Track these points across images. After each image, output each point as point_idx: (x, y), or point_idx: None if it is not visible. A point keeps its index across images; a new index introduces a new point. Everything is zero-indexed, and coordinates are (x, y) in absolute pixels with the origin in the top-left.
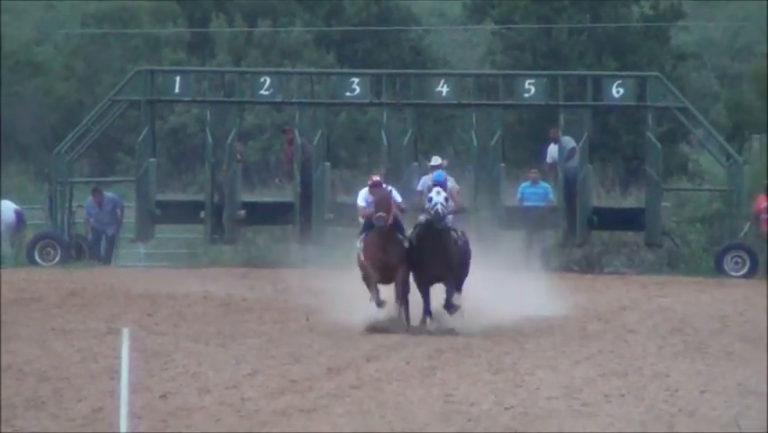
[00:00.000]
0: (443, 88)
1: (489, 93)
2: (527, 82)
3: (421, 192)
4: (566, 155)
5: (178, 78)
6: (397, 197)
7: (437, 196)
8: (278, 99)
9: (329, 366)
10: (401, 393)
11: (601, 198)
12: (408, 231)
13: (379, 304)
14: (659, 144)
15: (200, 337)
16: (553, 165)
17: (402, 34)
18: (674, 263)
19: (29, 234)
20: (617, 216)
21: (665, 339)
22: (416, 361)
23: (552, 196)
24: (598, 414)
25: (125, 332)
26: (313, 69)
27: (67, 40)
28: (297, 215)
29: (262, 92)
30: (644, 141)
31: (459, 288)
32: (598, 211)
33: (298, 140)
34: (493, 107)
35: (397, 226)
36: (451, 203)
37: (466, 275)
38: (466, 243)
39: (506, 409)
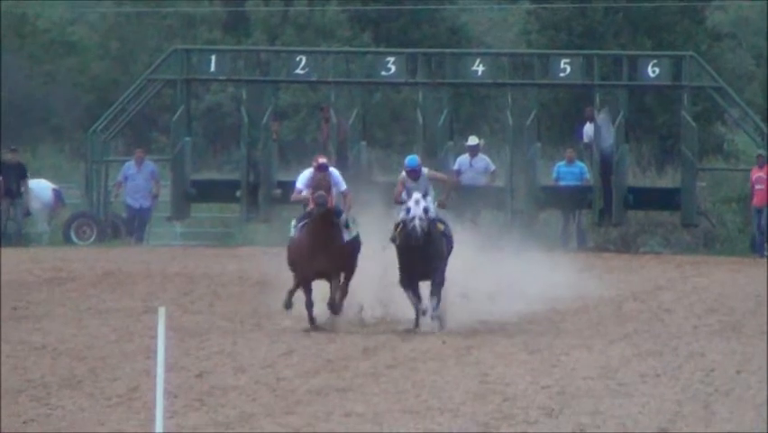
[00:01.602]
0: (479, 68)
1: (525, 72)
2: (563, 61)
3: (458, 171)
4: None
5: (213, 57)
6: (342, 183)
7: (416, 207)
8: (314, 78)
9: (365, 346)
10: (437, 373)
11: (637, 177)
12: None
13: (289, 306)
14: (694, 124)
15: (235, 317)
16: (589, 145)
17: (437, 13)
18: (710, 243)
19: (65, 214)
20: (653, 196)
21: (701, 319)
22: (451, 341)
23: (587, 175)
24: (633, 394)
25: (162, 311)
26: (348, 48)
27: (102, 18)
28: None
29: (298, 71)
30: (680, 120)
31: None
32: (633, 191)
33: (334, 119)
34: (529, 87)
35: (338, 215)
36: (434, 206)
37: (446, 265)
38: (450, 235)
39: (542, 388)
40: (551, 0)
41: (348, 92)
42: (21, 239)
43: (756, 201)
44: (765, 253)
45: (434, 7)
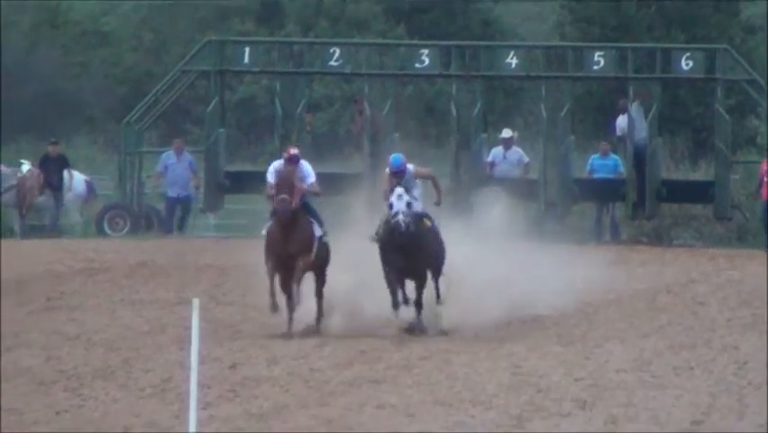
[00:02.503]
0: (513, 60)
1: (559, 65)
2: (596, 54)
3: (492, 163)
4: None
5: (247, 49)
6: (311, 176)
7: (398, 202)
8: (348, 70)
9: (397, 338)
10: (469, 365)
11: (670, 170)
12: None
13: (275, 309)
14: (728, 117)
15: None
16: (623, 137)
17: (471, 6)
18: (743, 236)
19: (97, 205)
20: (686, 189)
21: (734, 312)
22: (484, 333)
23: (621, 168)
24: (667, 386)
25: (196, 302)
26: (382, 41)
27: (135, 9)
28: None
29: (332, 63)
30: (713, 113)
31: (437, 284)
32: (667, 183)
33: (368, 111)
34: (562, 80)
35: (308, 210)
36: (418, 203)
37: (442, 263)
38: (437, 230)
39: (575, 380)
40: None
41: (382, 84)
42: (56, 230)
43: (766, 194)
44: None
45: (468, 0)
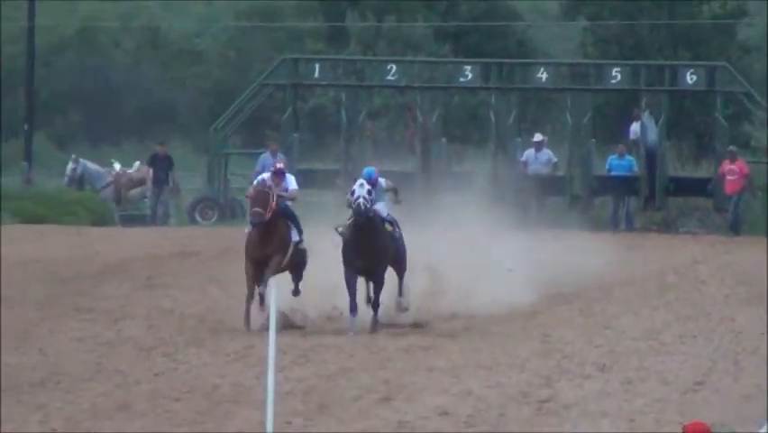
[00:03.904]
0: (543, 75)
1: (582, 79)
2: (614, 70)
3: (524, 163)
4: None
5: (317, 66)
6: (292, 184)
7: (360, 189)
8: (403, 84)
9: (444, 312)
10: (506, 334)
11: (677, 169)
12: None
13: (248, 326)
14: (726, 124)
15: (336, 288)
16: (636, 141)
17: (507, 28)
18: (738, 225)
19: (187, 198)
20: (691, 185)
21: (732, 289)
22: (518, 307)
23: (635, 167)
24: (673, 352)
25: (273, 282)
26: (432, 59)
27: (223, 31)
28: (419, 182)
29: (389, 78)
30: (714, 121)
31: (401, 286)
32: (674, 180)
33: (419, 119)
34: (585, 92)
35: (287, 216)
36: (386, 208)
37: (405, 270)
38: (400, 237)
39: (595, 347)
40: (604, 17)
41: (431, 96)
42: (166, 220)
43: (729, 189)
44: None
45: (504, 23)
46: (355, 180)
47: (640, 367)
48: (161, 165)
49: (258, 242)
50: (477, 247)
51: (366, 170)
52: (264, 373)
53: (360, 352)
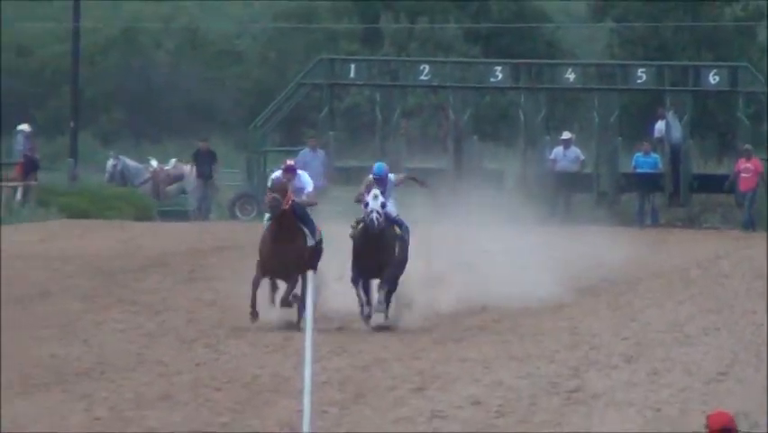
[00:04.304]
0: (571, 75)
1: (608, 79)
2: (639, 71)
3: (553, 161)
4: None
5: (353, 66)
6: (308, 185)
7: (374, 201)
8: (435, 84)
9: (475, 304)
10: (535, 326)
11: (700, 166)
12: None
13: (255, 316)
14: (748, 123)
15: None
16: (661, 139)
17: (536, 30)
18: (759, 221)
19: (228, 194)
20: (713, 182)
21: (752, 283)
22: (547, 299)
23: (660, 164)
24: (697, 344)
25: (310, 274)
26: (463, 59)
27: (262, 32)
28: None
29: (422, 78)
30: (736, 120)
31: (394, 286)
32: (697, 177)
33: (452, 117)
34: (611, 91)
35: (299, 217)
36: (393, 210)
37: (401, 272)
38: (407, 241)
39: (622, 339)
40: (630, 20)
41: (462, 95)
42: (207, 215)
43: (743, 187)
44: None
45: (533, 25)
46: (369, 177)
47: (665, 358)
48: (204, 160)
49: (274, 254)
50: (506, 242)
51: (377, 165)
52: (302, 364)
53: (394, 343)
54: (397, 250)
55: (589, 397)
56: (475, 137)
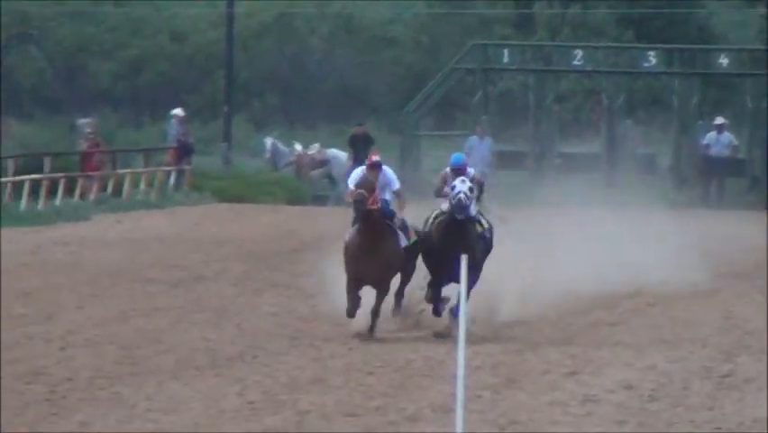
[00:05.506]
0: (724, 60)
1: (761, 64)
2: None
3: (706, 146)
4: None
5: (506, 51)
6: (395, 182)
7: (461, 184)
8: (588, 69)
9: (630, 289)
10: (688, 310)
11: None
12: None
13: (351, 314)
14: None
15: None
16: None
17: (690, 15)
18: None
19: None
20: None
21: None
22: (701, 285)
23: None
24: None
25: (464, 258)
26: (616, 44)
27: (415, 18)
28: (604, 163)
29: (575, 63)
30: None
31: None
32: None
33: (605, 102)
34: (764, 76)
35: (389, 217)
36: (477, 207)
37: (477, 279)
38: (490, 239)
39: None
40: None
41: (616, 80)
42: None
43: None
44: None
45: (686, 11)
46: (446, 169)
47: None
48: (360, 145)
49: (363, 260)
50: (659, 226)
51: (455, 156)
52: (455, 348)
53: (547, 328)
54: (477, 250)
55: (742, 382)
56: (629, 121)
